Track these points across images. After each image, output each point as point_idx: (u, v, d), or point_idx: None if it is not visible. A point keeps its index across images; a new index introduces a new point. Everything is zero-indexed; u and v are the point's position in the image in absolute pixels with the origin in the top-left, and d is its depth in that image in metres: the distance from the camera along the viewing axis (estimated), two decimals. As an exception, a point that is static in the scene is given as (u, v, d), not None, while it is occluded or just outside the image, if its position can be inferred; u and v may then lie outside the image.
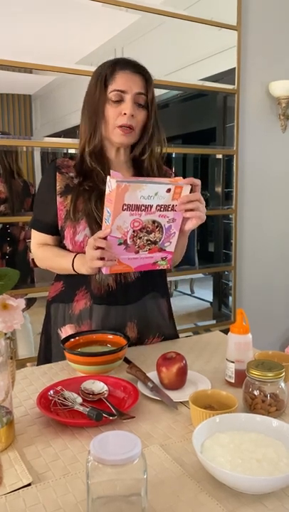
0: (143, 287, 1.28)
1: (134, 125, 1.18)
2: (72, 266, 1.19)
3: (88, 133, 1.21)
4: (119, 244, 1.05)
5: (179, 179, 1.06)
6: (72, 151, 2.18)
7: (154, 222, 1.05)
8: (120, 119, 1.17)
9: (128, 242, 1.06)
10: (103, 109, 1.18)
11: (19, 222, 2.43)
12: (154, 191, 1.00)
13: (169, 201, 1.04)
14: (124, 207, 0.99)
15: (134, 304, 1.26)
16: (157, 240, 1.09)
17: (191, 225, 1.11)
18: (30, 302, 2.28)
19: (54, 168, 1.25)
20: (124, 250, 1.06)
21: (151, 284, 1.30)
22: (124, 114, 1.16)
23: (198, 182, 1.08)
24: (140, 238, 1.06)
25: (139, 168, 1.27)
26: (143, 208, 1.01)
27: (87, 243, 1.08)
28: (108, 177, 0.99)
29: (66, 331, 1.27)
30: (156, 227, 1.07)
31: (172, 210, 1.06)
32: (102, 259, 1.04)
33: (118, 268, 1.09)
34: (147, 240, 1.08)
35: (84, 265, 1.15)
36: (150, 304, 1.31)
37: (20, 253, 2.52)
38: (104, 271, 1.09)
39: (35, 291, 2.22)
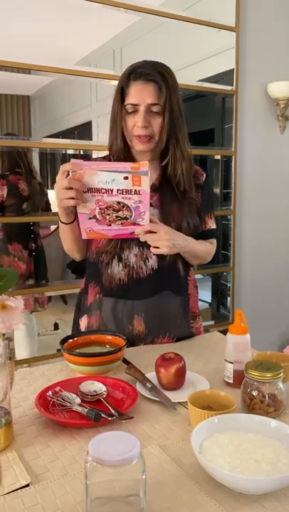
0: (156, 284, 1.29)
1: (150, 134, 1.22)
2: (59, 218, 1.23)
3: (109, 143, 1.30)
4: (90, 218, 1.14)
5: (144, 165, 1.07)
6: (70, 151, 2.18)
7: (119, 203, 1.12)
8: (136, 130, 1.22)
9: (97, 216, 1.14)
10: (124, 120, 1.23)
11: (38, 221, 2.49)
12: (111, 178, 1.08)
13: (129, 186, 1.09)
14: (84, 189, 1.09)
15: (144, 300, 1.28)
16: (128, 217, 1.15)
17: (156, 251, 1.17)
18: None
19: None
20: (96, 223, 1.15)
21: (165, 281, 1.30)
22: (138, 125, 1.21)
23: (156, 228, 1.14)
24: (109, 215, 1.14)
25: (164, 172, 1.30)
26: (104, 190, 1.09)
27: (56, 180, 1.11)
28: (72, 160, 1.08)
29: (82, 321, 1.35)
30: (123, 206, 1.12)
31: (137, 193, 1.11)
32: (72, 198, 1.09)
33: (95, 235, 1.18)
34: (117, 217, 1.14)
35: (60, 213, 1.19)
36: (161, 302, 1.30)
37: (41, 250, 2.66)
38: (83, 236, 1.17)
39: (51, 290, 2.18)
